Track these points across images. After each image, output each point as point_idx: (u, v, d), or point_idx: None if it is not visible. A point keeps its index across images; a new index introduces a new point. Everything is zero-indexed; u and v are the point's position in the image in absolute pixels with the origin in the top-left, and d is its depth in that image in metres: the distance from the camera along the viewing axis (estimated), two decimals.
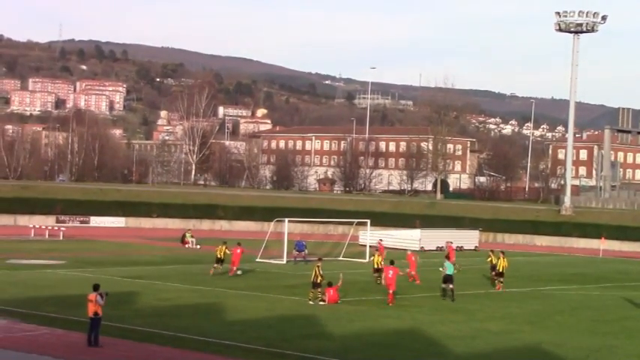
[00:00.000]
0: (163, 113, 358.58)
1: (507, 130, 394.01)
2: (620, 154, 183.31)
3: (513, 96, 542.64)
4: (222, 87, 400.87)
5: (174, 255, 69.12)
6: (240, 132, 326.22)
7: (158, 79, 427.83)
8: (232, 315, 38.61)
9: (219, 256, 55.09)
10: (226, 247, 55.83)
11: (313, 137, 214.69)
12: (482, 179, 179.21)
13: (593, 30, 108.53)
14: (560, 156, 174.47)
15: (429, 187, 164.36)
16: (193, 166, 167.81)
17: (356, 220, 76.65)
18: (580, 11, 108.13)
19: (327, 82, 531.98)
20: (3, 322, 34.71)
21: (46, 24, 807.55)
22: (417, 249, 74.37)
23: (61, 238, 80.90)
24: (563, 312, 44.64)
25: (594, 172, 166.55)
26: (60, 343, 31.05)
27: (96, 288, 30.62)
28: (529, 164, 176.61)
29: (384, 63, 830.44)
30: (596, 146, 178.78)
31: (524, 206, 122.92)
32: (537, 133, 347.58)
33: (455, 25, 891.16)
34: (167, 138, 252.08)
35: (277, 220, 70.10)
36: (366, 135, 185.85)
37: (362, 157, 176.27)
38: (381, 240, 65.69)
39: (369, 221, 74.88)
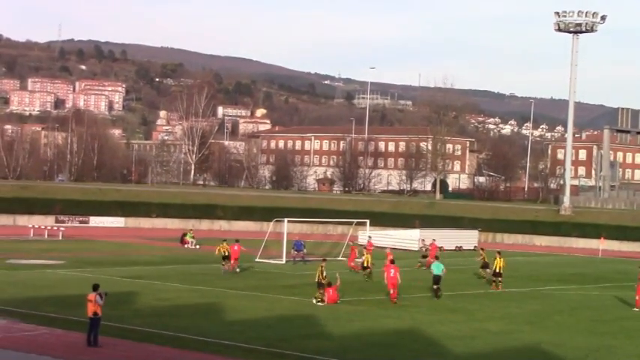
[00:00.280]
0: (162, 113, 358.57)
1: (506, 130, 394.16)
2: (620, 154, 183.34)
3: (512, 96, 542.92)
4: (222, 87, 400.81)
5: (174, 255, 69.14)
6: (240, 132, 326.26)
7: (157, 79, 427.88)
8: (232, 315, 38.62)
9: (225, 254, 56.36)
10: (227, 245, 57.01)
11: (312, 137, 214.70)
12: (482, 179, 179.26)
13: (592, 30, 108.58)
14: (560, 156, 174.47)
15: (429, 187, 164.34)
16: (192, 166, 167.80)
17: (355, 220, 76.66)
18: (579, 11, 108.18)
19: (326, 82, 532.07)
20: (2, 322, 34.72)
21: (45, 24, 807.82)
22: (417, 248, 74.20)
23: (61, 238, 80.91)
24: (562, 312, 44.66)
25: (593, 172, 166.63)
26: (59, 343, 31.06)
27: (95, 288, 30.63)
28: (528, 164, 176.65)
29: (384, 63, 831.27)
30: (595, 146, 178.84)
31: (523, 206, 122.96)
32: (536, 133, 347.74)
33: (454, 25, 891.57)
34: (166, 138, 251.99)
35: (276, 220, 70.11)
36: (366, 135, 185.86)
37: (361, 157, 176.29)
38: (370, 237, 66.24)
39: (368, 221, 75.01)
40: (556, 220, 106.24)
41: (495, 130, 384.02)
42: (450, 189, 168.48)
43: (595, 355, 32.93)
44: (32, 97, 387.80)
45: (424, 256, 64.84)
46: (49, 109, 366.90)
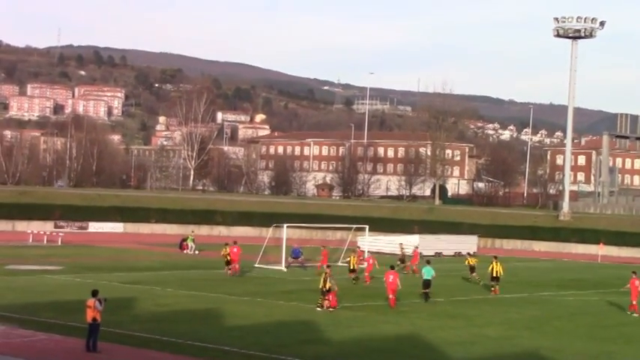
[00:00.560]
0: (162, 119, 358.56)
1: (506, 135, 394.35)
2: (619, 160, 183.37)
3: (512, 101, 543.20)
4: (221, 92, 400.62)
5: (173, 260, 69.09)
6: (239, 137, 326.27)
7: (157, 85, 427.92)
8: (230, 320, 38.59)
9: (227, 258, 57.93)
10: (228, 248, 58.44)
11: (312, 143, 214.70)
12: (481, 185, 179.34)
13: (591, 35, 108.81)
14: (559, 161, 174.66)
15: (428, 193, 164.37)
16: (192, 172, 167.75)
17: (354, 226, 76.63)
18: (578, 17, 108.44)
19: (325, 87, 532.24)
20: (1, 327, 34.64)
21: (44, 29, 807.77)
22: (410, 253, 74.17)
23: (60, 243, 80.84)
24: (561, 317, 44.65)
25: (592, 177, 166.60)
26: (58, 348, 31.02)
27: (95, 294, 30.59)
28: (527, 170, 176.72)
29: (383, 68, 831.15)
30: (594, 152, 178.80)
31: (522, 212, 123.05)
32: (536, 138, 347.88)
33: (453, 31, 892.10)
34: (165, 143, 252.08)
35: (275, 226, 70.12)
36: (365, 140, 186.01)
37: (360, 163, 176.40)
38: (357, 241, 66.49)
39: (367, 227, 74.95)
40: (555, 226, 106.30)
41: (494, 136, 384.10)
42: (449, 194, 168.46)
43: None
44: (31, 103, 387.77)
45: (402, 260, 65.07)
46: (48, 115, 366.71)
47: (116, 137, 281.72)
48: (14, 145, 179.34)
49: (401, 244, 71.77)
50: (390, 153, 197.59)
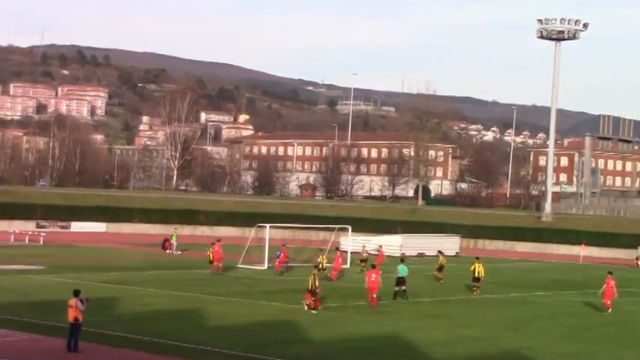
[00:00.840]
0: (145, 118, 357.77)
1: (489, 136, 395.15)
2: (601, 161, 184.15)
3: (495, 103, 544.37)
4: (205, 92, 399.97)
5: (155, 260, 68.88)
6: (222, 137, 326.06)
7: (140, 85, 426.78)
8: (212, 321, 38.55)
9: (210, 258, 59.19)
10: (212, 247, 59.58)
11: (295, 143, 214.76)
12: (464, 185, 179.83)
13: (574, 37, 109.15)
14: (541, 162, 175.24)
15: (411, 193, 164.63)
16: (175, 172, 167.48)
17: (337, 226, 76.64)
18: (562, 19, 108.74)
19: (309, 88, 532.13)
20: None
21: (27, 28, 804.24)
22: (398, 254, 74.28)
23: (41, 243, 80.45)
24: (543, 318, 44.80)
25: (575, 178, 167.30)
26: (39, 348, 30.92)
27: (76, 294, 30.51)
28: (510, 171, 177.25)
29: (367, 69, 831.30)
30: (576, 153, 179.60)
31: (505, 212, 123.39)
32: (518, 139, 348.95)
33: (437, 32, 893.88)
34: (149, 143, 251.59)
35: (258, 226, 70.06)
36: (348, 141, 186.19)
37: (344, 163, 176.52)
38: (339, 243, 68.07)
39: (350, 227, 74.98)
40: (537, 227, 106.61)
41: (478, 137, 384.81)
42: (432, 195, 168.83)
43: None
44: (14, 102, 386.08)
45: (362, 260, 65.23)
46: (30, 114, 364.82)
47: (99, 137, 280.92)
48: None
49: (364, 245, 71.70)
50: (374, 153, 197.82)
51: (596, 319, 44.97)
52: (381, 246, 69.77)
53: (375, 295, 44.63)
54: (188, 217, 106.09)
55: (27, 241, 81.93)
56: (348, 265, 66.57)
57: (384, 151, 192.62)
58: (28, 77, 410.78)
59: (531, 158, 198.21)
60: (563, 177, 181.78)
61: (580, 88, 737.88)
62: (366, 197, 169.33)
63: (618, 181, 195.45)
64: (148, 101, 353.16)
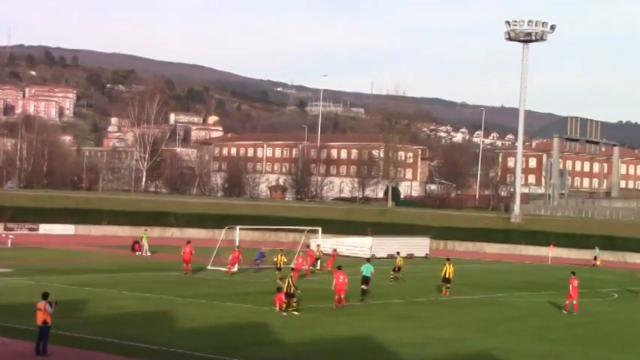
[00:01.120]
0: (114, 120, 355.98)
1: (458, 138, 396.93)
2: (569, 163, 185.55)
3: (464, 104, 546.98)
4: (174, 94, 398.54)
5: (125, 262, 68.61)
6: (192, 139, 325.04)
7: (109, 86, 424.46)
8: (183, 323, 38.45)
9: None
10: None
11: (265, 144, 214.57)
12: (433, 187, 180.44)
13: (542, 39, 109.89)
14: (510, 164, 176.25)
15: (381, 195, 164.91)
16: (144, 173, 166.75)
17: (307, 228, 76.69)
18: (529, 21, 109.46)
19: (278, 89, 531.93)
20: None
21: None
22: (369, 256, 74.43)
23: (9, 245, 79.78)
24: (512, 319, 45.09)
25: (543, 180, 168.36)
26: (7, 352, 30.69)
27: (45, 296, 30.33)
28: (479, 172, 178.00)
29: (336, 70, 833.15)
30: (545, 154, 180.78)
31: (474, 214, 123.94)
32: (487, 141, 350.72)
33: (406, 34, 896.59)
34: (117, 145, 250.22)
35: (228, 228, 70.02)
36: (318, 142, 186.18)
37: (313, 165, 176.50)
38: (309, 245, 68.73)
39: (320, 229, 75.06)
40: (506, 228, 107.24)
41: (447, 138, 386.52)
42: (401, 196, 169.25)
43: None
44: None
45: (316, 259, 65.70)
46: None
47: (67, 138, 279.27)
48: None
49: (318, 245, 71.88)
50: (343, 155, 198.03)
51: (564, 320, 45.31)
52: (335, 249, 69.71)
53: (342, 296, 44.82)
54: (158, 218, 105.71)
55: None
56: (319, 266, 66.78)
57: (354, 153, 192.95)
58: None
59: (500, 160, 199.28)
60: (531, 178, 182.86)
61: (548, 90, 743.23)
62: (336, 199, 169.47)
63: (586, 182, 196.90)
64: (117, 102, 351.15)
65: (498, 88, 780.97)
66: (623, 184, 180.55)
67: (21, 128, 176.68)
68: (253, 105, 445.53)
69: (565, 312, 47.52)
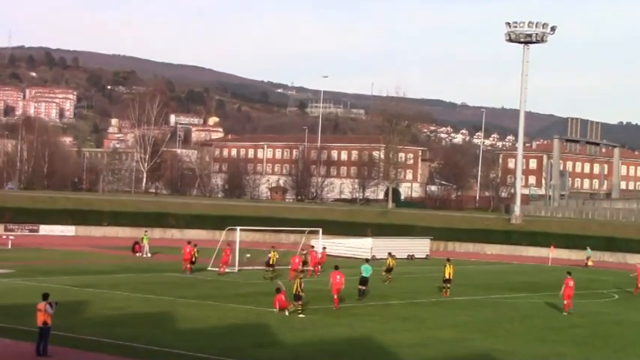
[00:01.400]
0: (114, 121, 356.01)
1: (458, 139, 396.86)
2: (569, 164, 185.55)
3: (464, 105, 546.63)
4: (174, 95, 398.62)
5: (125, 263, 68.61)
6: (192, 140, 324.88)
7: (109, 87, 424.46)
8: (183, 324, 38.44)
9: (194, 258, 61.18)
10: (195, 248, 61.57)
11: (265, 146, 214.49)
12: (434, 188, 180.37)
13: (542, 40, 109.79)
14: (511, 165, 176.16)
15: (381, 196, 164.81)
16: (144, 175, 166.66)
17: (308, 229, 76.64)
18: (530, 22, 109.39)
19: (279, 90, 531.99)
20: None
21: None
22: (369, 257, 74.43)
23: (10, 246, 79.69)
24: (513, 320, 45.07)
25: (544, 181, 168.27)
26: (8, 353, 30.69)
27: (45, 297, 30.33)
28: (480, 173, 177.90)
29: (337, 72, 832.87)
30: (545, 156, 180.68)
31: (474, 215, 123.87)
32: (488, 142, 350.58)
33: (407, 35, 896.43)
34: (118, 146, 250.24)
35: (229, 229, 69.97)
36: (318, 144, 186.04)
37: (314, 166, 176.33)
38: (313, 246, 68.31)
39: (320, 230, 74.98)
40: (507, 229, 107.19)
41: (447, 139, 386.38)
42: (402, 198, 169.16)
43: None
44: None
45: (305, 262, 65.52)
46: None
47: (68, 139, 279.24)
48: None
49: (324, 248, 71.71)
50: (344, 156, 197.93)
51: (565, 321, 45.29)
52: (325, 247, 69.65)
53: (336, 297, 44.89)
54: (158, 220, 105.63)
55: None
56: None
57: (354, 154, 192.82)
58: None
59: (500, 161, 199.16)
60: (532, 179, 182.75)
61: (548, 91, 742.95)
62: (336, 200, 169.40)
63: (586, 183, 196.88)
64: (117, 104, 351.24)
65: (499, 89, 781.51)
66: (623, 185, 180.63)
67: (21, 129, 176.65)
68: (254, 106, 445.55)
69: (565, 313, 47.50)
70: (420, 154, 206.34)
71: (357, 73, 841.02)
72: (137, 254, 76.76)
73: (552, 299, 54.26)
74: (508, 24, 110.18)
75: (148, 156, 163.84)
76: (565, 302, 47.92)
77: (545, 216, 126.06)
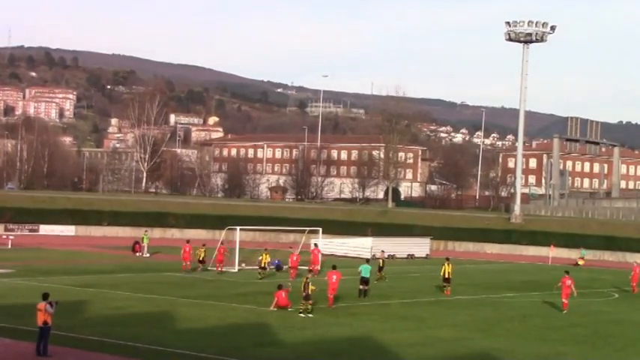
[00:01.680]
0: (114, 121, 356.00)
1: (458, 138, 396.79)
2: (569, 163, 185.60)
3: (464, 105, 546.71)
4: (174, 95, 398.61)
5: (125, 263, 68.61)
6: (192, 140, 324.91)
7: (109, 87, 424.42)
8: (184, 323, 38.45)
9: (199, 257, 62.11)
10: (205, 248, 62.73)
11: (265, 145, 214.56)
12: (434, 187, 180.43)
13: (542, 40, 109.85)
14: (510, 164, 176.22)
15: (381, 196, 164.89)
16: (144, 174, 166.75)
17: (307, 228, 76.65)
18: (530, 21, 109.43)
19: (279, 90, 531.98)
20: None
21: None
22: (369, 256, 74.43)
23: (10, 246, 79.73)
24: (513, 319, 45.06)
25: (543, 180, 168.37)
26: (8, 352, 30.70)
27: (45, 297, 30.34)
28: (479, 173, 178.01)
29: (336, 71, 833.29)
30: (545, 155, 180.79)
31: (474, 214, 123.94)
32: (488, 141, 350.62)
33: (407, 34, 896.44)
34: (118, 146, 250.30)
35: (229, 229, 69.98)
36: (318, 143, 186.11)
37: (314, 166, 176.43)
38: (316, 244, 67.71)
39: (320, 229, 74.98)
40: (507, 228, 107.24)
41: (447, 139, 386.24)
42: (402, 197, 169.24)
43: None
44: None
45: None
46: None
47: (68, 139, 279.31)
48: None
49: (305, 246, 71.87)
50: (344, 156, 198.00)
51: (565, 320, 45.29)
52: (316, 244, 69.58)
53: (331, 296, 45.06)
54: (158, 219, 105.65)
55: None
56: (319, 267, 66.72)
57: (354, 153, 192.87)
58: None
59: (500, 160, 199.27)
60: (532, 179, 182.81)
61: (548, 91, 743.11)
62: (336, 199, 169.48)
63: (586, 182, 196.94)
64: (117, 103, 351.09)
65: (499, 88, 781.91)
66: (623, 184, 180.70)
67: (21, 129, 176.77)
68: (253, 106, 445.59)
69: (565, 312, 47.50)
70: (420, 153, 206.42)
71: (357, 72, 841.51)
72: (137, 254, 76.76)
73: (552, 298, 54.25)
74: (508, 23, 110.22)
75: (147, 156, 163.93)
76: (564, 301, 47.93)
77: (545, 215, 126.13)
